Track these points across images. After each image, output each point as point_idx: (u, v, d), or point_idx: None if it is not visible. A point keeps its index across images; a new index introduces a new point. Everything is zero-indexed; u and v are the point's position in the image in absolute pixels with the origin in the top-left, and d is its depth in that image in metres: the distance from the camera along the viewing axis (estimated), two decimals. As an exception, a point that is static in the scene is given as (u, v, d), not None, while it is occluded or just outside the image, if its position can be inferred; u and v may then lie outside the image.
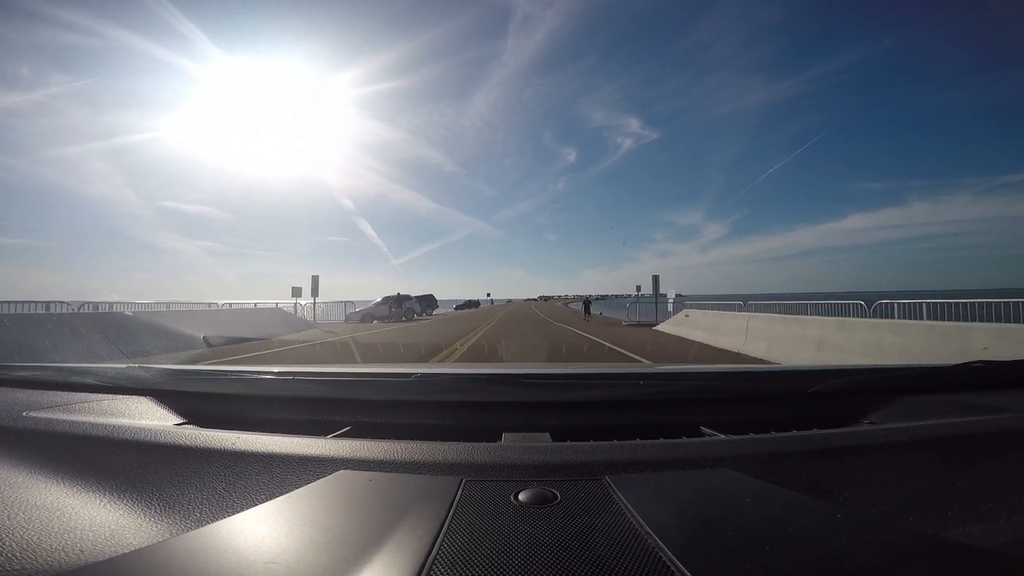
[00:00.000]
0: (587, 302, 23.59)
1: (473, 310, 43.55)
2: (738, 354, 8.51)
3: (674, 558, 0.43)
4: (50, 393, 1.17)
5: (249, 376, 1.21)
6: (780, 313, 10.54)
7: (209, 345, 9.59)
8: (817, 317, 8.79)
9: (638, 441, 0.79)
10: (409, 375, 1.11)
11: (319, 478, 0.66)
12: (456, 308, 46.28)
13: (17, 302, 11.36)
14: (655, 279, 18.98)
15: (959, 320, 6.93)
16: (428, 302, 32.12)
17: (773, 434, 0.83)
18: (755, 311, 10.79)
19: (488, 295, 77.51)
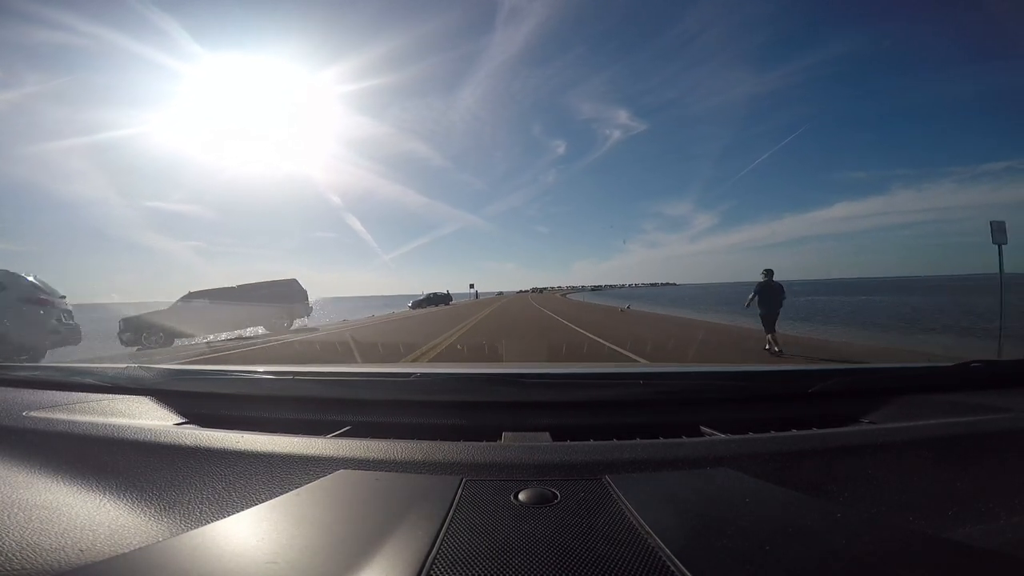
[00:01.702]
0: (771, 291, 7.52)
1: (434, 310, 27.57)
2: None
3: (674, 558, 0.43)
4: (50, 393, 1.17)
5: (249, 376, 1.21)
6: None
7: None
8: None
9: (638, 441, 0.79)
10: (409, 375, 1.11)
11: (319, 478, 0.66)
12: (412, 306, 31.67)
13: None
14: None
15: None
16: (287, 295, 15.26)
17: (773, 434, 0.83)
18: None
19: (471, 286, 57.33)
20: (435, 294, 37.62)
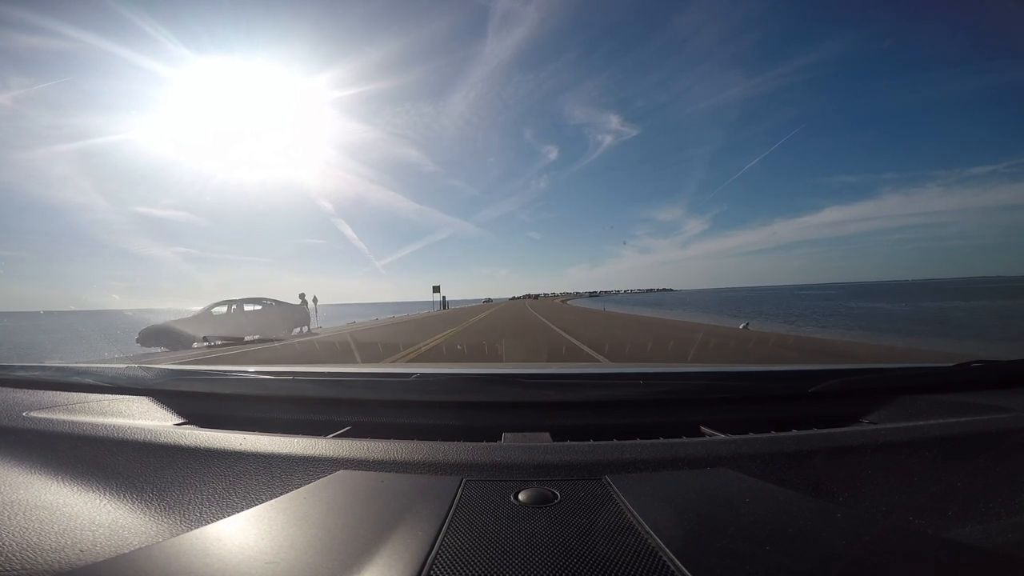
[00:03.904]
0: None
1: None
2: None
3: (674, 558, 0.43)
4: (50, 393, 1.17)
5: (249, 376, 1.22)
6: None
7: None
8: None
9: (638, 441, 0.79)
10: (409, 375, 1.11)
11: (319, 478, 0.66)
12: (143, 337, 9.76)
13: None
14: None
15: None
16: None
17: (773, 434, 0.83)
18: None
19: (436, 290, 36.78)
20: (232, 303, 13.10)
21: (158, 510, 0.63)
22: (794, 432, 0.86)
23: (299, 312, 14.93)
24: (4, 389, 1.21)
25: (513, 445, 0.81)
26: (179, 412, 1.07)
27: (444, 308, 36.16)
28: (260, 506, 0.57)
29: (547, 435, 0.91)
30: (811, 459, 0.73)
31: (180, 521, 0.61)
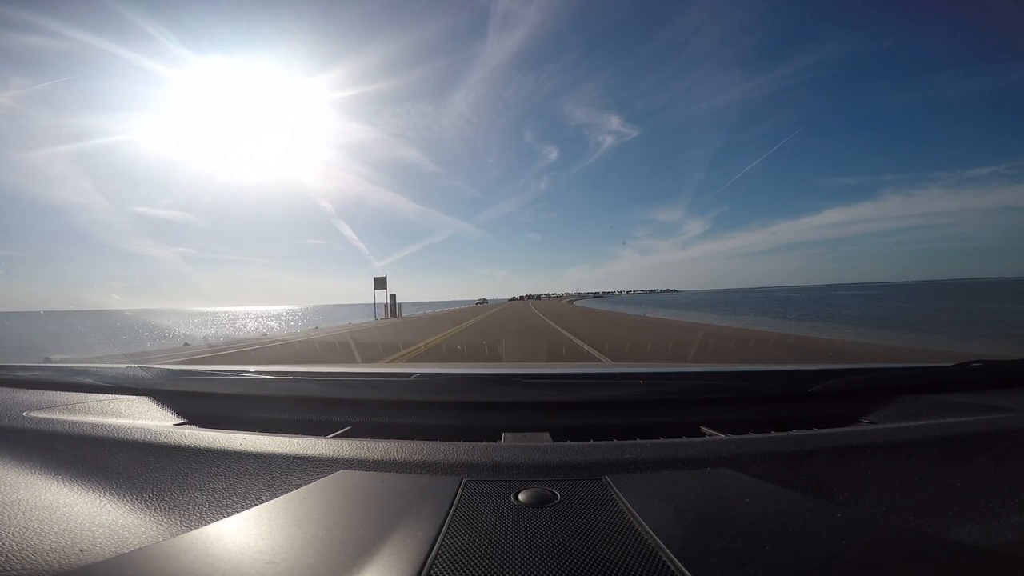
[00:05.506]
0: None
1: None
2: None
3: (674, 558, 0.43)
4: (50, 393, 1.17)
5: (249, 376, 1.22)
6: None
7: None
8: None
9: (638, 441, 0.79)
10: (409, 375, 1.11)
11: (319, 478, 0.66)
12: None
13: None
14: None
15: None
16: None
17: (773, 434, 0.83)
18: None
19: (380, 284, 24.67)
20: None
21: (158, 510, 0.63)
22: (794, 432, 0.86)
23: None
24: (4, 389, 1.21)
25: (513, 445, 0.81)
26: (179, 412, 1.08)
27: (393, 315, 24.17)
28: (260, 506, 0.57)
29: (547, 435, 0.91)
30: (811, 459, 0.73)
31: (180, 521, 0.61)
